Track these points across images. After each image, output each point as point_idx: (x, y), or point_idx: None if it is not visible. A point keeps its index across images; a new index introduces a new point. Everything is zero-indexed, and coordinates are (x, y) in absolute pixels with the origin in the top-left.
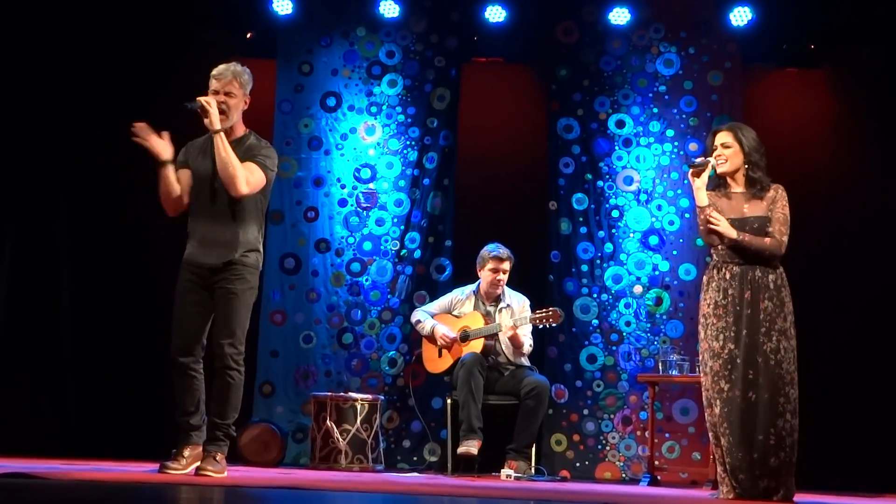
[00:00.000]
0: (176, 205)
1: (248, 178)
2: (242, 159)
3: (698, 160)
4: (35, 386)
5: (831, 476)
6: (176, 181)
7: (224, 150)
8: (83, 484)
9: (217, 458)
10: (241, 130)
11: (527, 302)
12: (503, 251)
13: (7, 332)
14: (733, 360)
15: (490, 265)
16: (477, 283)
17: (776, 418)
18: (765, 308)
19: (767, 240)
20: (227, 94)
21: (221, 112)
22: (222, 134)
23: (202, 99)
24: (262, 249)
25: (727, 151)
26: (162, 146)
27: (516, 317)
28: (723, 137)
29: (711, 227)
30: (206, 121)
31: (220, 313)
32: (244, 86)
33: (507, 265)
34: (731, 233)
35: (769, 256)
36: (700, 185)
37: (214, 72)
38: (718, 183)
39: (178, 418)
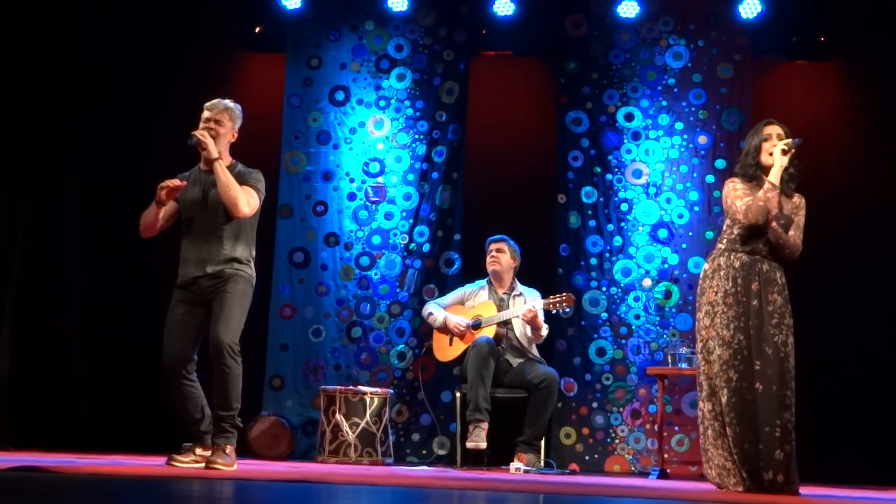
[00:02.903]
0: (151, 230)
1: (248, 200)
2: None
3: (795, 140)
4: (46, 379)
5: (837, 468)
6: (160, 216)
7: (224, 174)
8: (94, 477)
9: (227, 451)
10: (227, 160)
11: (538, 295)
12: (498, 236)
13: (19, 325)
14: (742, 351)
15: (488, 248)
16: (488, 276)
17: (783, 411)
18: (774, 301)
19: (791, 238)
20: (216, 121)
21: (212, 138)
22: (221, 161)
23: (197, 133)
24: (253, 267)
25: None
26: (169, 197)
27: (529, 304)
28: (778, 129)
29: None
30: (203, 152)
31: (215, 311)
32: (234, 119)
33: (502, 245)
34: (775, 221)
35: (787, 255)
36: (784, 163)
37: (207, 104)
38: (754, 175)
39: (188, 428)
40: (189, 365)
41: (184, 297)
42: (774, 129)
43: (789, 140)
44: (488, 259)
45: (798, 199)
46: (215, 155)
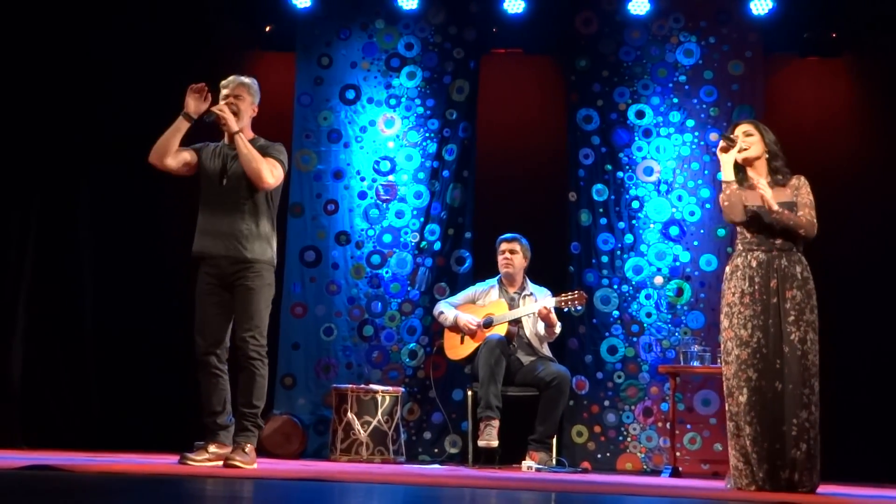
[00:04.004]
0: (163, 155)
1: (272, 170)
2: None
3: (733, 136)
4: (58, 378)
5: (856, 467)
6: (178, 140)
7: (245, 147)
8: (106, 476)
9: (246, 450)
10: (249, 135)
11: (549, 294)
12: (510, 235)
13: (31, 324)
14: (761, 350)
15: (500, 248)
16: (499, 275)
17: (800, 410)
18: (792, 297)
19: (801, 217)
20: (235, 96)
21: (233, 113)
22: (241, 133)
23: (215, 108)
24: (274, 245)
25: (750, 139)
26: (197, 105)
27: (541, 303)
28: (744, 128)
29: (762, 191)
30: (224, 127)
31: (239, 308)
32: (253, 94)
33: (514, 246)
34: (773, 203)
35: (803, 235)
36: (727, 160)
37: (223, 84)
38: (739, 178)
39: (205, 419)
40: (221, 352)
41: (208, 282)
42: (741, 129)
43: (722, 139)
44: (500, 260)
45: (796, 181)
46: (236, 128)
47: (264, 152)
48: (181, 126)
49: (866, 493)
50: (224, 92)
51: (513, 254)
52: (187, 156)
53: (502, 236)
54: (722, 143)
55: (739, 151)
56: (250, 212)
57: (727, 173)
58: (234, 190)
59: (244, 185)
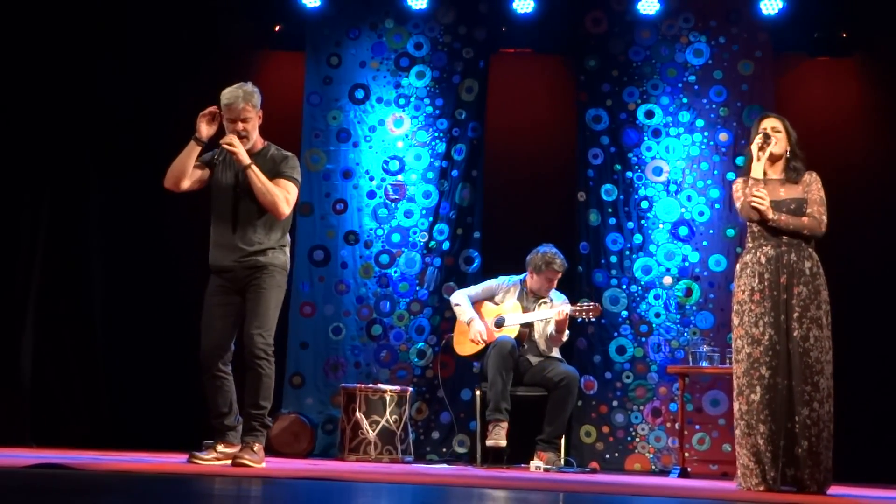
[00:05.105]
0: (178, 180)
1: (286, 198)
2: (270, 174)
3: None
4: (68, 376)
5: (869, 467)
6: (193, 163)
7: (259, 181)
8: (116, 475)
9: (255, 449)
10: (259, 144)
11: (566, 300)
12: (560, 263)
13: (41, 323)
14: (774, 347)
15: (547, 275)
16: (524, 275)
17: (802, 407)
18: (798, 293)
19: (805, 218)
20: (243, 120)
21: (243, 138)
22: (253, 167)
23: (224, 144)
24: (288, 252)
25: (777, 135)
26: (208, 129)
27: (558, 308)
28: (772, 122)
29: (754, 202)
30: (234, 160)
31: (250, 307)
32: (256, 105)
33: (561, 274)
34: (769, 213)
35: (808, 235)
36: (763, 157)
37: (224, 101)
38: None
39: (213, 420)
40: (226, 356)
41: (219, 285)
42: (769, 123)
43: (760, 135)
44: (546, 286)
45: (808, 177)
46: (247, 162)
47: (277, 171)
48: (193, 151)
49: (878, 494)
50: (229, 114)
51: (557, 280)
52: (200, 173)
53: (552, 264)
54: (759, 141)
55: (763, 149)
56: (264, 225)
57: (757, 171)
58: (247, 204)
59: (256, 199)
